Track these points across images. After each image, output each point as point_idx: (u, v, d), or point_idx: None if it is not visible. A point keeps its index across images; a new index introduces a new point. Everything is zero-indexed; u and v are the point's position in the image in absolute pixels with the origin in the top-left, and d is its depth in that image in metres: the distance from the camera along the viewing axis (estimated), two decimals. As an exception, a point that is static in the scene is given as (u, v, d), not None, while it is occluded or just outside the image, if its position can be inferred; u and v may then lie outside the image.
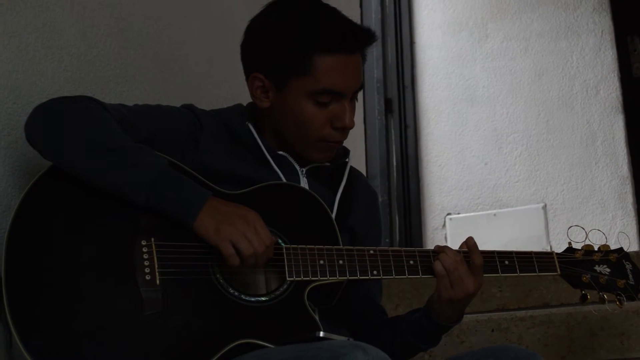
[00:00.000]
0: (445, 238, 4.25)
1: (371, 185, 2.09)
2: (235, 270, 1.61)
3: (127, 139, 1.64)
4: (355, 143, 3.81)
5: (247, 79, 1.83)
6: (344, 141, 1.87)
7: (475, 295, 1.76)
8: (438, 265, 1.72)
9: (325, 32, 1.75)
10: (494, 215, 4.17)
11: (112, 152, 1.61)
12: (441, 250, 1.75)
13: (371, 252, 1.72)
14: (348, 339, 1.56)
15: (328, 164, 1.87)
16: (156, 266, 1.58)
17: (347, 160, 1.92)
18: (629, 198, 3.92)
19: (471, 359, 1.69)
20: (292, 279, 1.65)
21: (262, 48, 1.79)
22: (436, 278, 1.73)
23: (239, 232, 1.58)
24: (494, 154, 4.25)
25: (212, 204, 1.60)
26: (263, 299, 1.63)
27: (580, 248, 1.90)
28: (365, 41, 1.80)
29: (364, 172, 3.90)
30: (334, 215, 1.79)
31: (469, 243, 1.77)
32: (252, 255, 1.58)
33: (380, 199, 4.08)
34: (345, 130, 1.80)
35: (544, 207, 4.08)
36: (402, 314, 1.90)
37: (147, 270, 1.57)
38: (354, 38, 1.78)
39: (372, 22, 4.33)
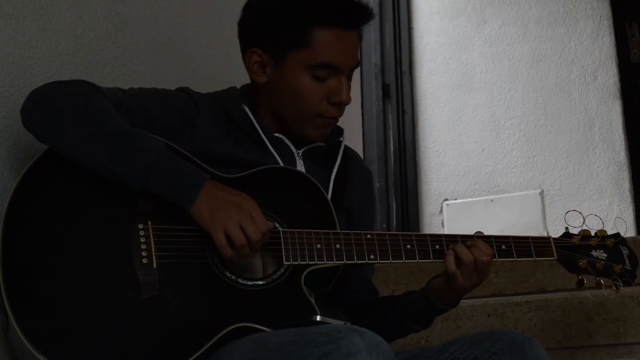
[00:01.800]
0: (442, 224, 4.25)
1: (366, 165, 2.09)
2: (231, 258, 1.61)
3: (124, 123, 1.64)
4: (353, 128, 3.81)
5: (244, 56, 1.83)
6: (340, 121, 1.88)
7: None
8: (467, 255, 1.73)
9: (324, 6, 1.77)
10: (491, 201, 4.17)
11: (109, 137, 1.60)
12: (473, 244, 1.75)
13: (368, 236, 1.72)
14: (345, 323, 1.56)
15: (323, 144, 1.87)
16: (153, 249, 1.58)
17: (341, 139, 1.92)
18: (626, 184, 3.92)
19: (467, 343, 1.69)
20: (289, 263, 1.65)
21: (260, 22, 1.80)
22: (461, 266, 1.73)
23: (234, 220, 1.58)
24: (491, 140, 4.25)
25: (209, 189, 1.60)
26: (260, 282, 1.63)
27: (577, 233, 1.90)
28: (363, 17, 1.81)
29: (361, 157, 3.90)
30: (329, 195, 1.79)
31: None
32: (245, 246, 1.58)
33: (377, 184, 4.09)
34: (341, 106, 1.81)
35: (541, 193, 4.08)
36: (396, 295, 1.90)
37: (144, 253, 1.57)
38: (352, 13, 1.79)
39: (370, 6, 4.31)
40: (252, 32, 1.81)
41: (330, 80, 1.77)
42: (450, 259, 1.73)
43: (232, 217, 1.58)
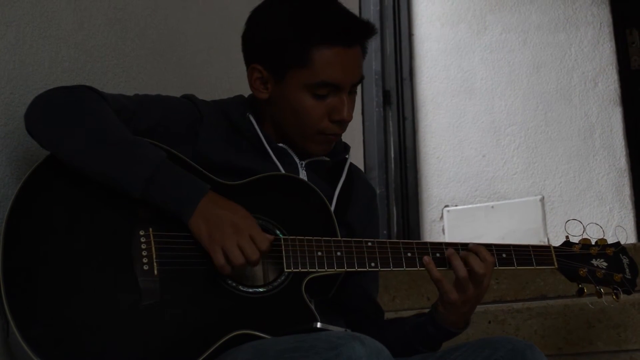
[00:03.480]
0: (443, 230, 4.25)
1: (369, 179, 2.09)
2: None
3: (126, 132, 1.64)
4: (354, 135, 3.81)
5: (247, 70, 1.83)
6: (343, 134, 1.87)
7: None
8: (462, 269, 1.72)
9: (324, 25, 1.75)
10: (492, 207, 4.17)
11: (110, 145, 1.60)
12: (476, 249, 1.74)
13: (369, 244, 1.72)
14: (345, 330, 1.56)
15: (328, 158, 1.87)
16: (154, 256, 1.58)
17: (347, 156, 1.92)
18: (627, 191, 3.92)
19: (468, 350, 1.69)
20: (290, 270, 1.65)
21: (261, 39, 1.79)
22: (458, 278, 1.72)
23: (232, 241, 1.57)
24: (492, 146, 4.25)
25: (207, 204, 1.59)
26: (261, 290, 1.63)
27: (577, 242, 1.90)
28: (364, 34, 1.80)
29: (362, 164, 3.91)
30: (332, 210, 1.79)
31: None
32: (243, 265, 1.58)
33: (378, 192, 4.09)
34: (343, 124, 1.80)
35: (542, 200, 4.08)
36: (406, 317, 1.90)
37: (145, 260, 1.57)
38: (352, 31, 1.77)
39: (371, 14, 4.32)
40: (253, 49, 1.81)
41: (331, 98, 1.76)
42: (432, 267, 1.73)
43: (230, 237, 1.57)
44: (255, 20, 1.82)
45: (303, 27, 1.75)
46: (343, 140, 1.94)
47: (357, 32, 1.78)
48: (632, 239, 3.74)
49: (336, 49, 1.74)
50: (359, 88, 1.87)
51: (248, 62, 1.82)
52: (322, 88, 1.75)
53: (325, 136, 1.80)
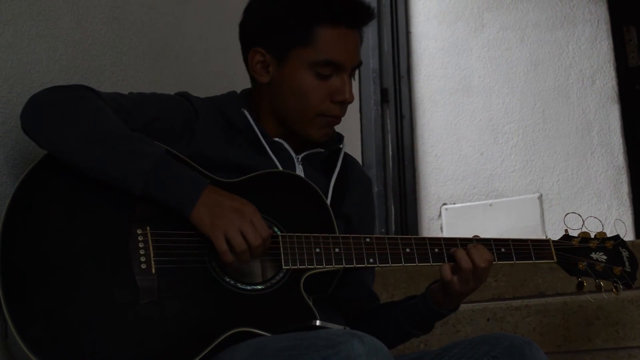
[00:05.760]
0: (441, 228, 4.25)
1: (366, 172, 2.09)
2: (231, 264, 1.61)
3: (124, 128, 1.64)
4: (351, 133, 3.81)
5: (245, 57, 1.83)
6: (339, 128, 1.88)
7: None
8: (466, 262, 1.72)
9: (328, 4, 1.78)
10: (490, 205, 4.17)
11: (109, 142, 1.60)
12: (472, 250, 1.74)
13: (367, 239, 1.72)
14: (344, 328, 1.55)
15: (322, 150, 1.87)
16: (152, 255, 1.58)
17: (341, 146, 1.92)
18: (625, 188, 3.92)
19: (466, 347, 1.69)
20: (288, 267, 1.65)
21: (263, 22, 1.81)
22: (459, 272, 1.72)
23: (234, 226, 1.57)
24: (489, 144, 4.25)
25: (209, 195, 1.59)
26: (259, 287, 1.63)
27: (576, 235, 1.90)
28: (366, 16, 1.83)
29: (359, 162, 3.91)
30: (328, 202, 1.79)
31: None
32: (245, 251, 1.58)
33: (375, 188, 4.09)
34: (344, 104, 1.81)
35: (540, 197, 4.08)
36: (397, 300, 1.90)
37: (142, 259, 1.57)
38: (355, 12, 1.80)
39: (368, 11, 4.32)
40: (254, 33, 1.82)
41: (333, 79, 1.78)
42: (446, 267, 1.73)
43: (232, 222, 1.57)
44: (255, 6, 1.84)
45: (307, 6, 1.77)
46: (338, 132, 1.95)
47: (359, 13, 1.81)
48: (630, 236, 3.74)
49: (339, 29, 1.77)
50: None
51: (248, 47, 1.83)
52: (326, 67, 1.77)
53: (326, 118, 1.81)
